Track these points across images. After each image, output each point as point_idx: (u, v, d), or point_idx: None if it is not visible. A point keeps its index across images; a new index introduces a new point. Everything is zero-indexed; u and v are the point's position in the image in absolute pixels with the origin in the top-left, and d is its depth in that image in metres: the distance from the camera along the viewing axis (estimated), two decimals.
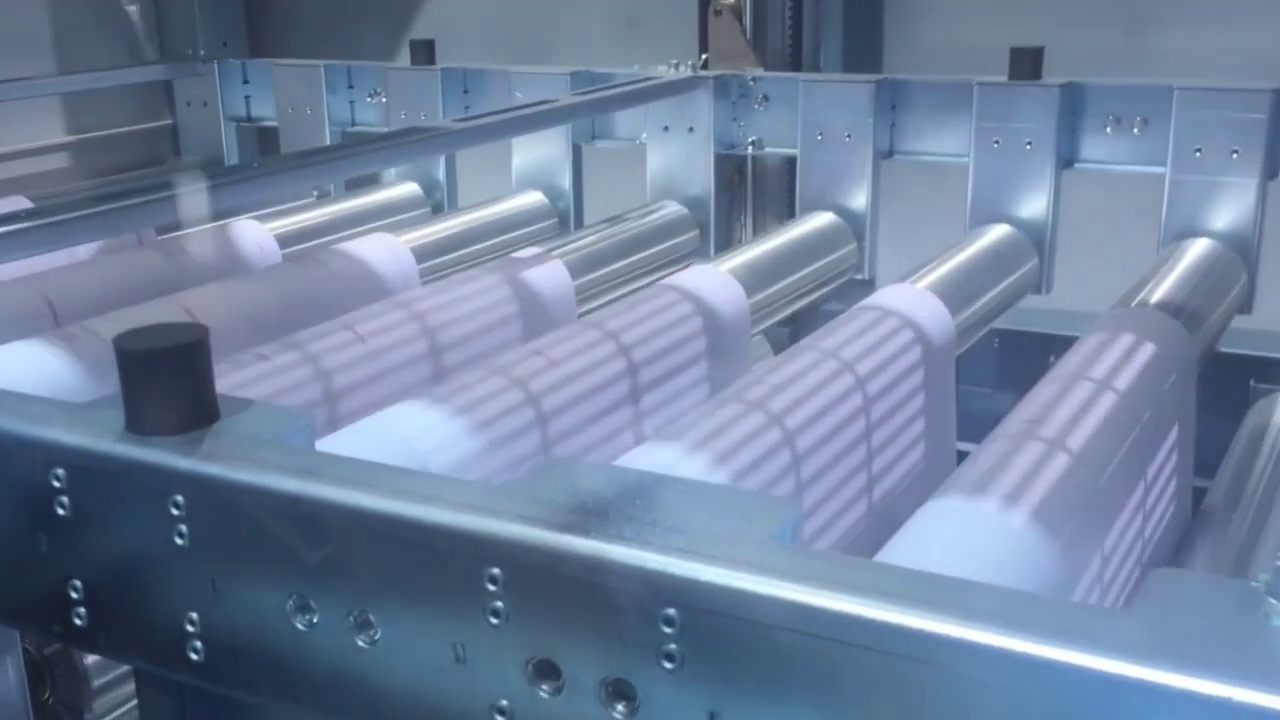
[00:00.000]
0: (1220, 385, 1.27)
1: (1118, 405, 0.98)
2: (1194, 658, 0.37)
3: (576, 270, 1.37)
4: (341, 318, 1.16)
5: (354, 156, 1.12)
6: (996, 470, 0.86)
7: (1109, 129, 1.40)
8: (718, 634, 0.44)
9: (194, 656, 0.55)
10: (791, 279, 1.38)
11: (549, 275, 1.34)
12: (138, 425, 0.55)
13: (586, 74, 1.59)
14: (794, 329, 1.56)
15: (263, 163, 1.22)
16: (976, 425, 1.03)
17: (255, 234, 1.49)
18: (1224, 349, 1.30)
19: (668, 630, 0.44)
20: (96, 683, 0.77)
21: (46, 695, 0.76)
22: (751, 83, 1.54)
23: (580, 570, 0.45)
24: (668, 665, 0.45)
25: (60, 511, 0.56)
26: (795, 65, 1.68)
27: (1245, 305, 1.35)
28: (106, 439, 0.55)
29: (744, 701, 0.44)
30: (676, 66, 1.55)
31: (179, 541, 0.54)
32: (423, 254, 1.44)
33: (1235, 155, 1.32)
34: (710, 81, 1.53)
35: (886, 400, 1.08)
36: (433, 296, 1.23)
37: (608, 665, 0.46)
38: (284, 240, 1.50)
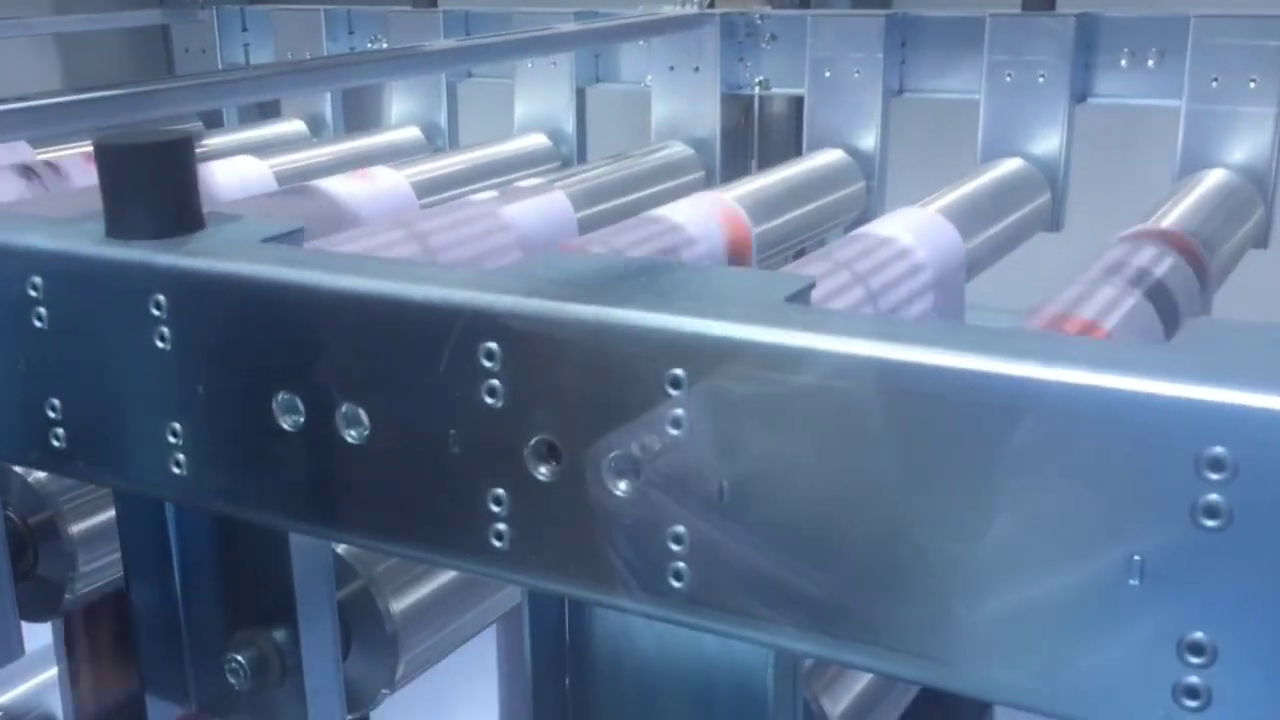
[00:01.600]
0: None
1: (1135, 309, 0.95)
2: (1231, 376, 0.34)
3: (579, 203, 1.34)
4: (338, 234, 1.13)
5: (347, 67, 1.10)
6: None
7: (1124, 62, 1.37)
8: (726, 394, 0.41)
9: (177, 471, 0.52)
10: (798, 213, 1.36)
11: (550, 205, 1.31)
12: (119, 228, 0.52)
13: (591, 14, 1.56)
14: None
15: (255, 67, 1.19)
16: None
17: (254, 171, 1.46)
18: None
19: (674, 393, 0.42)
20: (82, 555, 0.74)
21: (30, 563, 0.73)
22: (759, 21, 1.51)
23: (581, 337, 0.43)
24: (674, 432, 0.42)
25: (37, 324, 0.54)
26: (804, 3, 1.65)
27: (1261, 239, 1.32)
28: (85, 243, 0.52)
29: (754, 466, 0.41)
30: (683, 4, 1.52)
31: (160, 345, 0.51)
32: (422, 190, 1.41)
33: (1253, 84, 1.29)
34: (717, 19, 1.50)
35: (895, 305, 1.05)
36: (431, 219, 1.20)
37: (610, 440, 0.43)
38: (282, 179, 1.48)
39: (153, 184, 0.52)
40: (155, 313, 0.51)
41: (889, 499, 0.39)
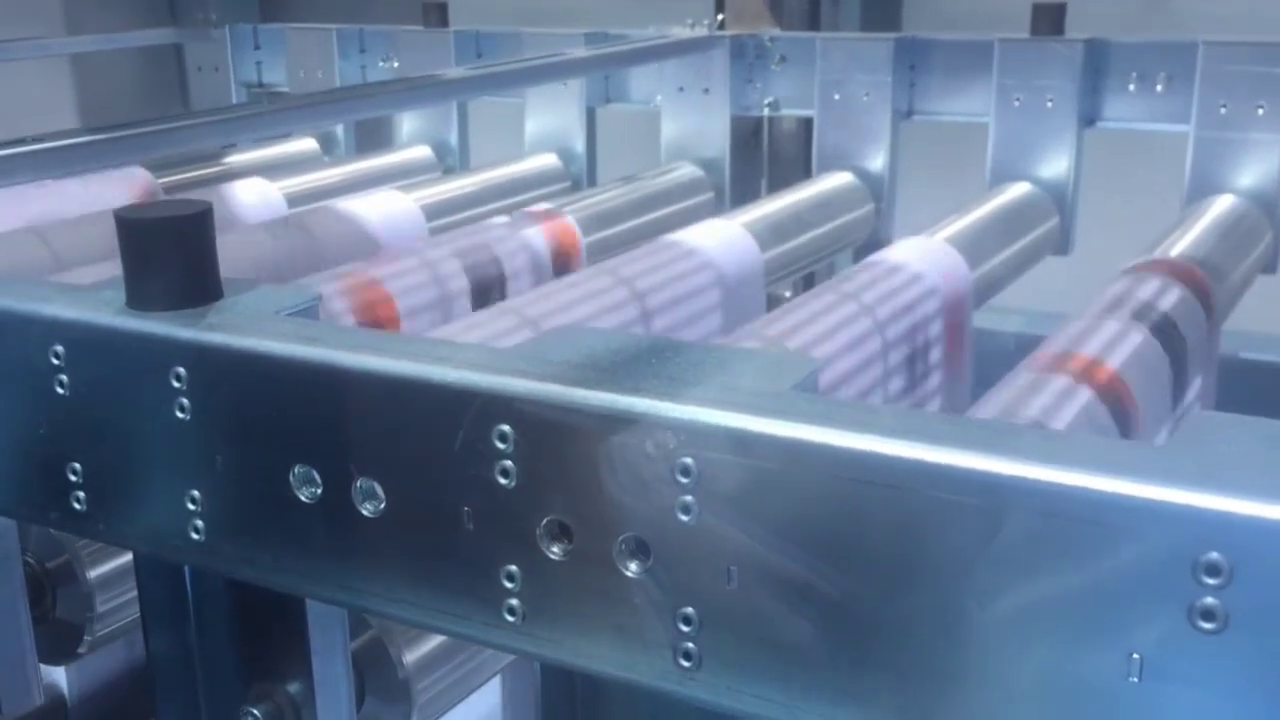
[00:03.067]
0: None
1: (1142, 346, 0.96)
2: (1229, 482, 0.35)
3: (588, 228, 1.35)
4: (351, 264, 1.14)
5: (361, 98, 1.11)
6: (1015, 405, 0.84)
7: (1132, 87, 1.37)
8: (735, 483, 0.42)
9: (195, 536, 0.53)
10: (807, 237, 1.37)
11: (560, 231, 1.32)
12: (139, 300, 0.53)
13: (601, 35, 1.57)
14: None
15: (270, 99, 1.21)
16: None
17: (263, 192, 1.47)
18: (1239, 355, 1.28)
19: (684, 480, 0.42)
20: (100, 598, 0.75)
21: (48, 607, 0.74)
22: (768, 43, 1.52)
23: (593, 423, 0.44)
24: (684, 518, 0.43)
25: (59, 391, 0.55)
26: (813, 25, 1.66)
27: (1270, 264, 1.33)
28: (106, 313, 0.53)
29: (763, 553, 0.42)
30: (692, 26, 1.53)
31: (180, 415, 0.52)
32: (432, 213, 1.43)
33: (1261, 111, 1.29)
34: (726, 41, 1.51)
35: (903, 345, 1.06)
36: (441, 247, 1.21)
37: (621, 521, 0.44)
38: (293, 200, 1.49)
39: (172, 257, 0.53)
40: (175, 384, 0.52)
41: (891, 590, 0.40)
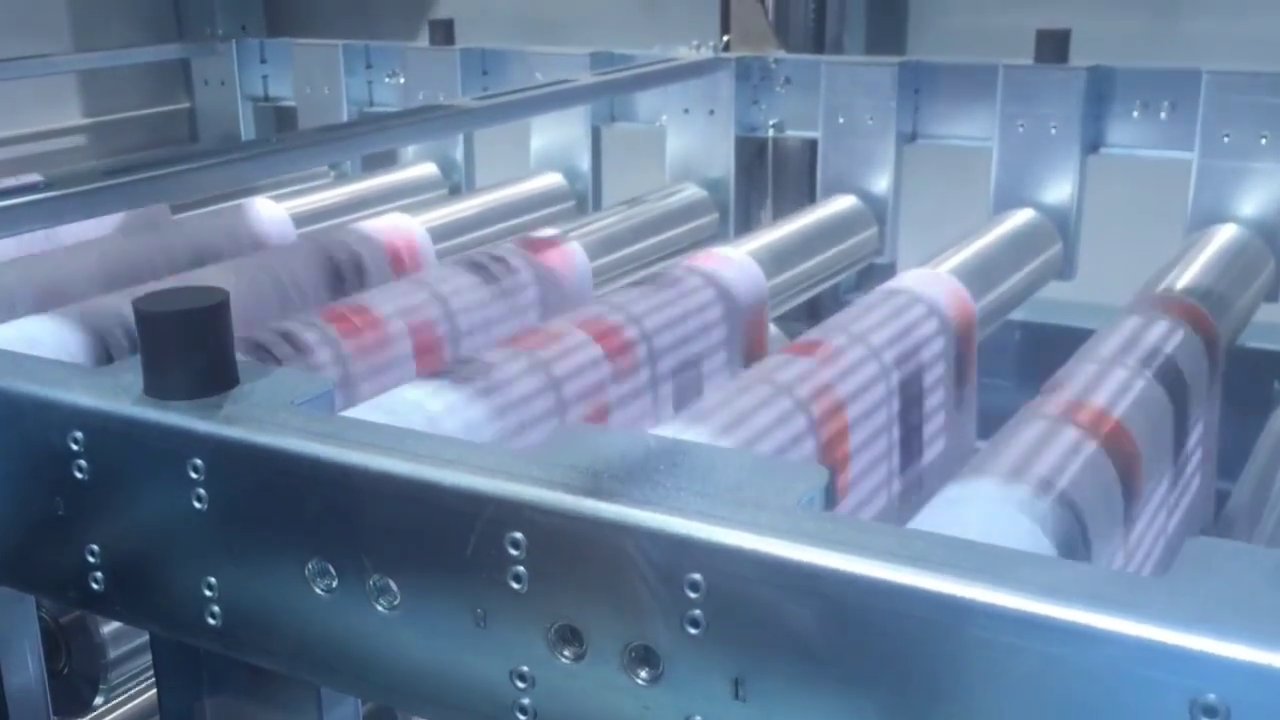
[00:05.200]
0: (1242, 386, 1.24)
1: (1144, 390, 0.96)
2: (1229, 624, 0.36)
3: (594, 252, 1.36)
4: (357, 295, 1.15)
5: (373, 133, 1.11)
6: (1019, 453, 0.85)
7: (1136, 113, 1.38)
8: (743, 599, 0.43)
9: (211, 622, 0.54)
10: (812, 263, 1.37)
11: (566, 257, 1.33)
12: (156, 389, 0.54)
13: (606, 55, 1.58)
14: (813, 314, 1.55)
15: (281, 138, 1.21)
16: (996, 420, 1.01)
17: (270, 213, 1.48)
18: (1247, 344, 1.28)
19: (692, 595, 0.43)
20: (113, 653, 0.76)
21: (62, 665, 0.75)
22: (773, 65, 1.53)
23: (603, 535, 0.45)
24: (692, 631, 0.44)
25: (78, 475, 0.56)
26: (818, 47, 1.66)
27: (1273, 292, 1.33)
28: (125, 402, 0.54)
29: (769, 668, 0.43)
30: (698, 48, 1.54)
31: (198, 505, 0.53)
32: (439, 235, 1.43)
33: (1264, 140, 1.30)
34: (732, 63, 1.51)
35: (909, 383, 1.07)
36: (449, 277, 1.22)
37: (630, 631, 0.45)
38: (300, 220, 1.50)
39: (189, 348, 0.54)
40: (193, 475, 0.53)
41: (895, 711, 0.41)
